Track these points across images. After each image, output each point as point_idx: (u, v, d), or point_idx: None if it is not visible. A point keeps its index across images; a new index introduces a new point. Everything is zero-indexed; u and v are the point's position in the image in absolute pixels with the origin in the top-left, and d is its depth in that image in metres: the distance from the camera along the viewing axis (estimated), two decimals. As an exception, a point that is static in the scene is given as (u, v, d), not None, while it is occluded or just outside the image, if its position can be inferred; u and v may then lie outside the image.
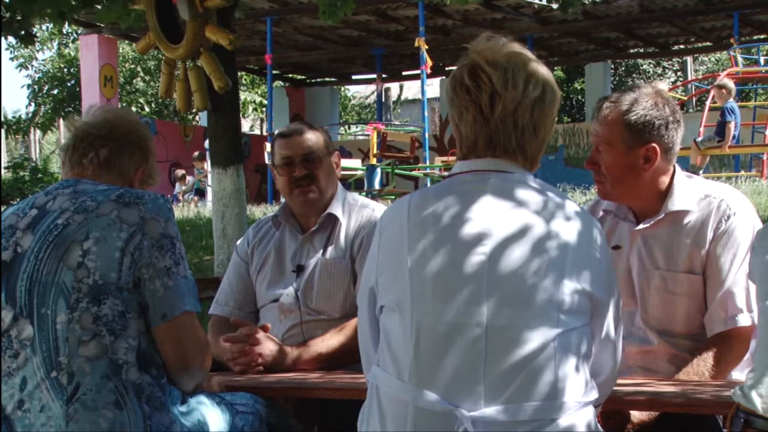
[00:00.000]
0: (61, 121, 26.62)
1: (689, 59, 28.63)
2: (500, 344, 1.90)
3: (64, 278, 2.27)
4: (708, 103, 13.26)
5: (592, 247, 2.02)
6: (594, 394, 2.00)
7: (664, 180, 2.81)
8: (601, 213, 2.95)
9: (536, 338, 1.91)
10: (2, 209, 2.56)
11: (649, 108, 2.73)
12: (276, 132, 3.48)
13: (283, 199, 3.42)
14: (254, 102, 27.12)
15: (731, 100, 12.90)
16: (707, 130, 13.18)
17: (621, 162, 2.75)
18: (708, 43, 20.90)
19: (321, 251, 3.24)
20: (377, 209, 3.27)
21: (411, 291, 1.97)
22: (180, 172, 19.39)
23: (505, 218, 1.98)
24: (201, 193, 18.20)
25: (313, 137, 3.28)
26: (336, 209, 3.26)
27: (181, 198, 18.59)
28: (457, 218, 1.99)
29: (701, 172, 12.88)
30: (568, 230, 1.99)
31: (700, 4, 16.97)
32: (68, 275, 2.27)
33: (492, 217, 1.98)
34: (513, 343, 1.90)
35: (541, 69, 2.09)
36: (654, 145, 2.74)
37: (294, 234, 3.31)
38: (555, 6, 8.35)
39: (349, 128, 25.85)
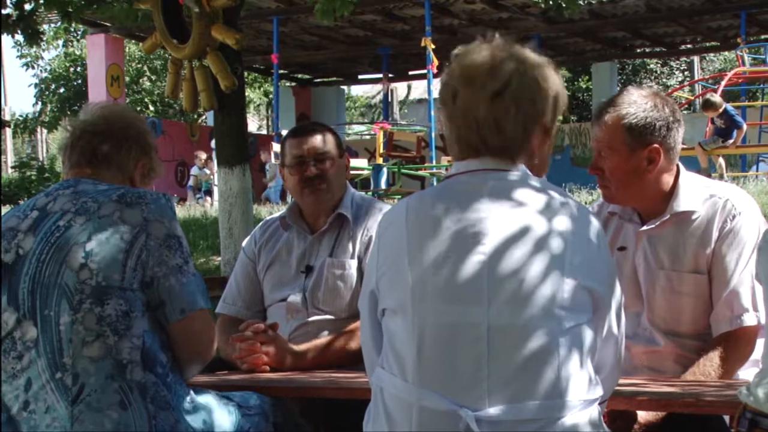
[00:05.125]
0: (68, 120, 26.66)
1: (696, 59, 28.58)
2: (503, 343, 1.90)
3: (66, 280, 2.27)
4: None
5: (592, 243, 2.02)
6: (599, 392, 1.99)
7: (668, 180, 2.80)
8: (606, 215, 2.95)
9: (539, 336, 1.90)
10: (8, 209, 2.56)
11: (649, 110, 2.73)
12: (287, 131, 3.48)
13: (290, 199, 3.42)
14: (254, 102, 27.12)
15: (726, 104, 12.94)
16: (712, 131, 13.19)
17: (624, 165, 2.74)
18: (715, 43, 20.87)
19: (329, 251, 3.24)
20: (385, 209, 3.26)
21: (412, 293, 1.97)
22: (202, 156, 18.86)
23: (504, 217, 1.97)
24: (210, 194, 18.15)
25: (325, 137, 3.28)
26: (345, 209, 3.26)
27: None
28: (455, 218, 1.99)
29: (725, 174, 12.89)
30: (567, 227, 1.98)
31: (706, 3, 16.96)
32: (71, 277, 2.27)
33: (491, 216, 1.97)
34: (515, 341, 1.90)
35: (526, 70, 2.04)
36: (656, 146, 2.73)
37: (302, 234, 3.31)
38: (554, 4, 8.35)
39: (350, 128, 25.83)
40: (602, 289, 2.01)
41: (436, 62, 14.83)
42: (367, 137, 20.28)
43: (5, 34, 7.73)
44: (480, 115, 2.02)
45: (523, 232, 1.95)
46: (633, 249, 2.86)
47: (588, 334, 1.98)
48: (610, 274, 2.06)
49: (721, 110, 12.81)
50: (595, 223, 2.06)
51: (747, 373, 2.72)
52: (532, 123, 2.06)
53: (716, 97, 13.12)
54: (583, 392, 1.94)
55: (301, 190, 3.25)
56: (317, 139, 3.27)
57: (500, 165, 2.04)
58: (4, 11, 7.68)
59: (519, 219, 1.97)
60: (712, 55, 28.64)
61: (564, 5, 8.37)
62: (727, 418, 2.56)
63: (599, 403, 2.01)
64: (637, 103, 2.73)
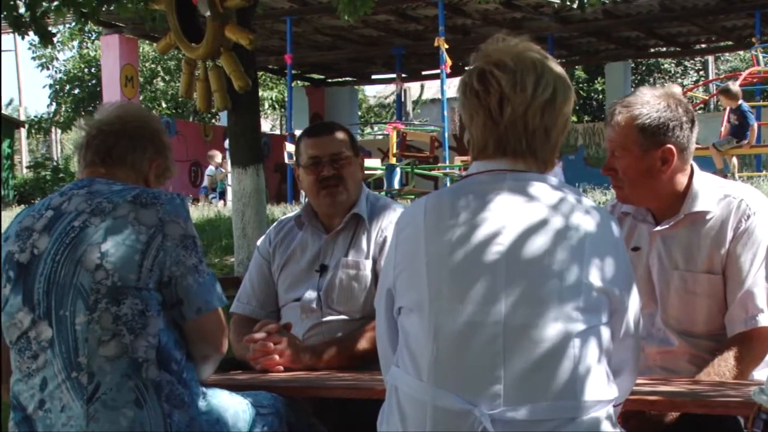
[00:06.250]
0: (82, 119, 26.70)
1: (710, 58, 28.44)
2: (518, 343, 1.90)
3: (82, 280, 2.28)
4: (728, 102, 13.13)
5: (609, 244, 2.02)
6: (614, 393, 1.99)
7: (682, 180, 2.79)
8: (619, 215, 2.94)
9: (555, 336, 1.90)
10: (23, 208, 2.57)
11: (663, 110, 2.72)
12: (302, 131, 3.47)
13: (303, 200, 3.42)
14: (271, 99, 27.11)
15: (742, 101, 12.82)
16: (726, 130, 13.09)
17: (638, 165, 2.74)
18: (729, 42, 20.76)
19: (344, 251, 3.23)
20: (400, 209, 3.24)
21: (428, 291, 1.97)
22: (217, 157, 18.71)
23: (521, 217, 1.97)
24: (224, 195, 18.13)
25: (340, 137, 3.27)
26: (361, 209, 3.25)
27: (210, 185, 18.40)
28: (472, 218, 1.99)
29: (736, 173, 12.81)
30: (584, 228, 1.98)
31: (721, 2, 16.86)
32: (86, 277, 2.28)
33: (508, 216, 1.98)
34: (531, 341, 1.90)
35: (552, 68, 2.06)
36: (670, 146, 2.72)
37: (317, 234, 3.30)
38: (575, 5, 8.29)
39: (363, 129, 25.82)
40: (620, 291, 2.01)
41: (449, 62, 14.79)
42: (380, 137, 20.27)
43: (17, 35, 7.75)
44: (534, 122, 2.03)
45: (541, 231, 1.95)
46: (647, 249, 2.85)
47: (605, 336, 1.98)
48: (627, 276, 2.06)
49: (737, 103, 12.67)
50: (613, 225, 2.06)
51: (762, 373, 2.71)
52: (566, 126, 2.10)
53: (736, 87, 12.96)
54: (598, 393, 1.93)
55: (317, 190, 3.24)
56: (333, 139, 3.26)
57: (521, 166, 2.05)
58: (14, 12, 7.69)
59: (536, 219, 1.97)
60: (727, 54, 28.50)
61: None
62: (741, 419, 2.56)
63: (615, 405, 2.01)
64: (650, 104, 2.73)
